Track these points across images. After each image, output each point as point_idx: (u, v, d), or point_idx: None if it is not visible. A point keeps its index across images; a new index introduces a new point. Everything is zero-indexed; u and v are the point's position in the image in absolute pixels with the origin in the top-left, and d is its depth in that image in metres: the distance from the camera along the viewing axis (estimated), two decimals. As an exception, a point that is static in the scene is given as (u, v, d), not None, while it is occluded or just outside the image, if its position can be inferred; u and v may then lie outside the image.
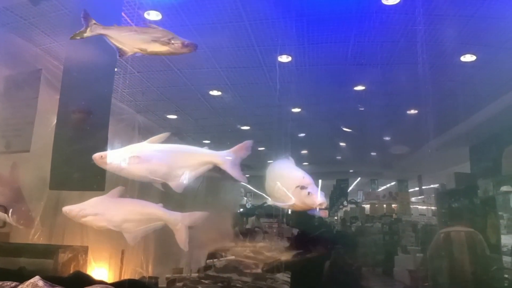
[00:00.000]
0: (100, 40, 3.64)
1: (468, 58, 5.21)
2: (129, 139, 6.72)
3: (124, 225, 2.70)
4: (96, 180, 2.91)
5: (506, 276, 5.22)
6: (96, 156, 2.62)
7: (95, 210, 2.72)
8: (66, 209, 2.77)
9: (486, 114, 6.74)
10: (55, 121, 3.48)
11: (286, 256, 3.98)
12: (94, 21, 2.90)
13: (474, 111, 6.90)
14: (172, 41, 2.84)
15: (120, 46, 2.91)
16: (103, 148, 3.13)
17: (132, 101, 6.65)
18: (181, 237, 2.62)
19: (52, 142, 3.38)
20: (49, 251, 3.42)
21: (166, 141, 2.80)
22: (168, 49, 2.83)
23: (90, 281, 2.12)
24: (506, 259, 5.72)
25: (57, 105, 3.49)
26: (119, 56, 2.95)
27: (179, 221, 2.65)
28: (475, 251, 5.13)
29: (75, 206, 2.77)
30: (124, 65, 5.12)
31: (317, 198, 2.62)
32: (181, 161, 2.70)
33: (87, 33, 2.92)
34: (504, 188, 7.18)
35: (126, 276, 4.43)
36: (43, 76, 4.45)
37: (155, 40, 2.83)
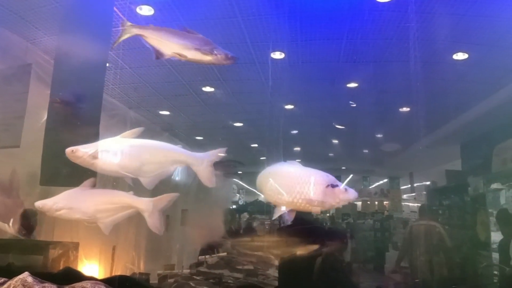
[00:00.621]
0: (91, 34, 3.62)
1: (460, 56, 5.24)
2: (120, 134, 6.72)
3: (98, 215, 2.71)
4: (86, 176, 2.89)
5: (495, 272, 5.28)
6: (68, 150, 2.61)
7: (68, 203, 2.71)
8: (39, 203, 2.75)
9: (477, 112, 6.79)
10: (46, 116, 3.45)
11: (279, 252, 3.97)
12: (129, 23, 2.88)
13: (465, 109, 6.95)
14: (215, 51, 2.84)
15: (157, 47, 2.88)
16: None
17: (124, 97, 6.61)
18: (154, 223, 2.64)
19: (43, 137, 3.34)
20: (39, 247, 3.39)
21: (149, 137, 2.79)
22: (210, 59, 2.84)
23: (80, 277, 2.11)
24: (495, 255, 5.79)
25: (47, 100, 3.45)
26: (156, 57, 2.94)
27: (150, 207, 2.65)
28: (431, 242, 5.54)
29: (48, 200, 2.75)
30: (116, 60, 5.09)
31: (354, 192, 2.64)
32: (154, 157, 2.69)
33: (124, 37, 2.93)
34: (494, 186, 7.25)
35: (117, 272, 4.41)
36: (33, 70, 4.40)
37: (197, 48, 2.81)
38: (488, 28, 4.53)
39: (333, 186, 2.64)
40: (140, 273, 4.42)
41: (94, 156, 2.56)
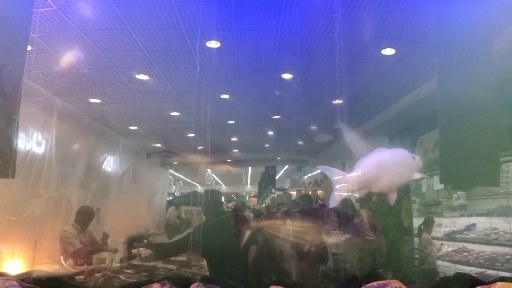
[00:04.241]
0: (9, 13, 3.34)
1: (388, 51, 5.47)
2: (44, 123, 6.35)
3: None
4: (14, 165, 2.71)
5: (416, 256, 5.62)
6: None
7: None
8: None
9: (403, 105, 7.17)
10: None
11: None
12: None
13: (392, 102, 7.30)
14: None
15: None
16: (11, 132, 2.92)
17: (49, 83, 6.20)
18: None
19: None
20: None
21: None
22: None
23: (-9, 274, 1.96)
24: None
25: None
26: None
27: None
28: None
29: None
30: (39, 43, 4.77)
31: None
32: None
33: None
34: (416, 175, 7.69)
35: (38, 267, 4.18)
36: None
37: None
38: (413, 25, 4.77)
39: (414, 157, 2.73)
40: (63, 268, 4.22)
41: None
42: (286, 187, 12.45)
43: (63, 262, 4.02)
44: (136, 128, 9.55)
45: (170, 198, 12.28)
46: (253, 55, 5.61)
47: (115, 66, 5.92)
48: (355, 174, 2.84)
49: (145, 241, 4.33)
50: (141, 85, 6.70)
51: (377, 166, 2.89)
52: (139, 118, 8.88)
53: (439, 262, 6.24)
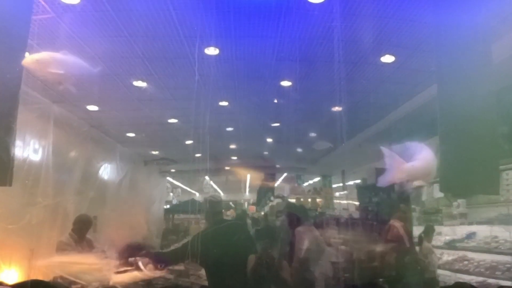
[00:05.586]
0: (8, 21, 3.34)
1: (387, 58, 5.48)
2: (41, 130, 6.32)
3: None
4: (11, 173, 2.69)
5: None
6: None
7: None
8: None
9: (402, 112, 7.16)
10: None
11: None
12: None
13: (392, 109, 7.29)
14: None
15: None
16: (9, 140, 2.90)
17: (47, 90, 6.17)
18: None
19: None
20: None
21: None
22: None
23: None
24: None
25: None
26: None
27: None
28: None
29: None
30: (36, 49, 4.74)
31: None
32: None
33: None
34: (416, 183, 7.65)
35: (35, 276, 4.12)
36: None
37: None
38: (412, 32, 4.77)
39: None
40: (60, 277, 4.16)
41: None
42: (285, 195, 12.41)
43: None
44: (134, 135, 9.52)
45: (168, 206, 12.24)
46: (252, 62, 5.61)
47: (114, 73, 5.91)
48: (413, 164, 2.90)
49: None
50: (140, 92, 6.68)
51: (434, 159, 3.00)
52: (137, 125, 8.86)
53: (439, 271, 6.19)
